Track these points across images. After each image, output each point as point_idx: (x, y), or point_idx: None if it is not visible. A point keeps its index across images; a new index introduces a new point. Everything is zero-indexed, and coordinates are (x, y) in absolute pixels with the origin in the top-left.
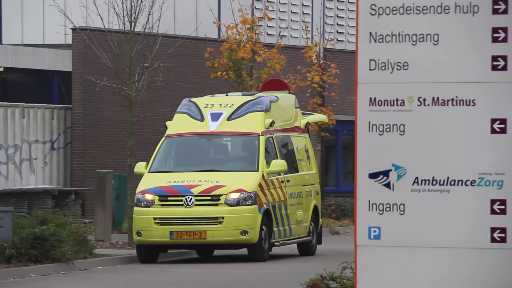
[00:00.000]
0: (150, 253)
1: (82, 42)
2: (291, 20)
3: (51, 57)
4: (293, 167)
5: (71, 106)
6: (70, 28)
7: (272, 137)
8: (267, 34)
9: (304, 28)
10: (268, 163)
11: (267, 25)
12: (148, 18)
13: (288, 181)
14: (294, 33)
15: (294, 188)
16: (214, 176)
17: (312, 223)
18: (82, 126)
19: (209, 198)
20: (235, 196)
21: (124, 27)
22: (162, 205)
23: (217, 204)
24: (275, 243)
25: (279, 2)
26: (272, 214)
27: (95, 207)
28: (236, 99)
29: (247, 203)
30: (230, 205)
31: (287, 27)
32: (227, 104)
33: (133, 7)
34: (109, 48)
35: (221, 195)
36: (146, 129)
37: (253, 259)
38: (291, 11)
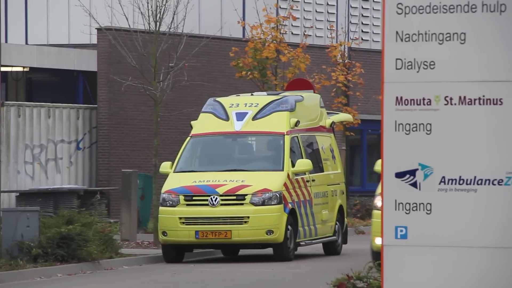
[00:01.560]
0: (175, 253)
1: (107, 42)
2: (316, 19)
3: (77, 57)
4: (318, 166)
5: (96, 106)
6: (96, 28)
7: (297, 137)
8: (292, 33)
9: (329, 28)
10: (293, 162)
11: (292, 25)
12: (173, 18)
13: (313, 180)
14: (319, 33)
15: (319, 188)
16: (239, 175)
17: (337, 222)
18: (108, 126)
19: (234, 197)
20: (260, 195)
21: (149, 27)
22: (187, 204)
23: (242, 204)
24: (301, 243)
25: (304, 2)
26: (297, 214)
27: (121, 206)
28: (261, 98)
29: (272, 203)
30: (255, 204)
31: (312, 27)
32: (252, 104)
33: (158, 7)
34: (134, 48)
35: (246, 194)
36: (171, 129)
37: (278, 259)
38: (316, 11)
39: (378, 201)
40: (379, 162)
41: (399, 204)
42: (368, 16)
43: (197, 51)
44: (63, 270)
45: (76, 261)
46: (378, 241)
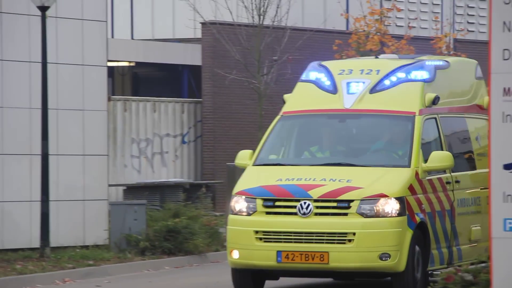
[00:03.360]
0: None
1: (211, 36)
2: (420, 11)
3: (181, 52)
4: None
5: (201, 100)
6: (200, 23)
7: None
8: (396, 25)
9: (433, 19)
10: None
11: (396, 16)
12: (276, 11)
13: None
14: (424, 24)
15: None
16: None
17: None
18: (212, 120)
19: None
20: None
21: (253, 21)
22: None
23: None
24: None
25: None
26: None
27: (226, 200)
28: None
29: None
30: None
31: (416, 18)
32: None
33: (261, 1)
34: (238, 41)
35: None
36: None
37: None
38: (421, 2)
39: (235, 203)
40: (241, 154)
41: (507, 196)
42: (473, 7)
43: (301, 44)
44: (170, 263)
45: (182, 254)
46: (235, 254)
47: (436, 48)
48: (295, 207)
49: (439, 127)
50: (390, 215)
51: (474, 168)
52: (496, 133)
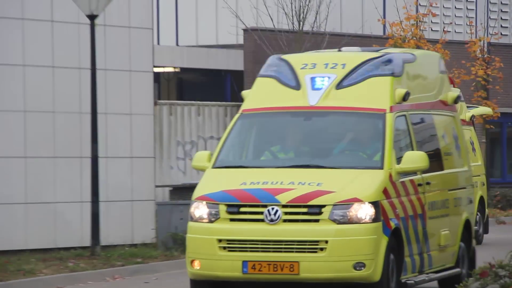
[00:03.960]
0: None
1: (253, 42)
2: (455, 15)
3: (224, 57)
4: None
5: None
6: (242, 29)
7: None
8: (431, 30)
9: (468, 24)
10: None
11: (431, 21)
12: (316, 17)
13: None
14: (458, 29)
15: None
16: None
17: (478, 213)
18: None
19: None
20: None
21: (293, 27)
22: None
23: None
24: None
25: None
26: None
27: None
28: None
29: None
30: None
31: (451, 23)
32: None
33: (301, 7)
34: (278, 47)
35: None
36: None
37: None
38: (455, 7)
39: (195, 209)
40: (198, 155)
41: None
42: (507, 12)
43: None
44: None
45: None
46: (196, 265)
47: (471, 51)
48: (262, 213)
49: (409, 125)
50: (364, 221)
51: (442, 168)
52: None
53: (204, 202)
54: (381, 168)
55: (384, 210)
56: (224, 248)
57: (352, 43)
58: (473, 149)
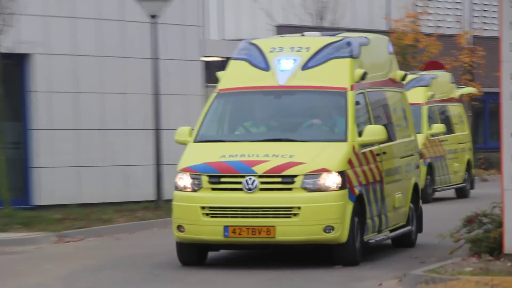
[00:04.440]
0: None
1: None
2: (446, 14)
3: None
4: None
5: None
6: (275, 25)
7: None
8: (427, 26)
9: (456, 20)
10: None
11: (427, 19)
12: (333, 16)
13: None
14: (449, 24)
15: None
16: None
17: (466, 172)
18: None
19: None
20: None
21: (316, 23)
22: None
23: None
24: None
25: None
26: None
27: None
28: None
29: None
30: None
31: (442, 20)
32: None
33: (321, 8)
34: None
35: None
36: None
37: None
38: (447, 8)
39: (179, 180)
40: (179, 130)
41: None
42: (487, 10)
43: None
44: None
45: None
46: (181, 229)
47: (458, 43)
48: (240, 183)
49: (367, 101)
50: (332, 189)
51: (394, 138)
52: (506, 108)
53: (188, 173)
54: (345, 140)
55: (349, 179)
56: (207, 214)
57: None
58: (461, 121)
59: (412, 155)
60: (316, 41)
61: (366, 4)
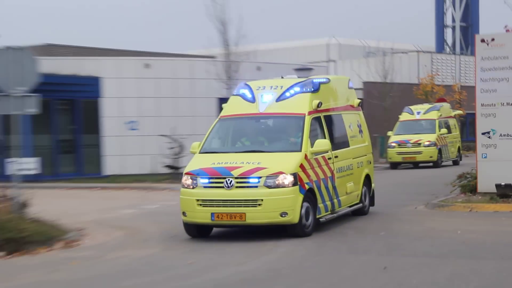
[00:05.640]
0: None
1: (367, 86)
2: (447, 74)
3: (359, 93)
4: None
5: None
6: (362, 82)
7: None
8: (438, 80)
9: (452, 77)
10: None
11: (437, 77)
12: (391, 74)
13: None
14: (448, 79)
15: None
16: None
17: (458, 152)
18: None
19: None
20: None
21: (382, 79)
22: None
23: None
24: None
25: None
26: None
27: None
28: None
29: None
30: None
31: (445, 77)
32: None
33: (385, 69)
34: (376, 91)
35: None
36: None
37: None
38: (447, 72)
39: (185, 180)
40: (193, 145)
41: (483, 145)
42: (468, 72)
43: (398, 89)
44: None
45: None
46: (185, 214)
47: (453, 89)
48: (222, 182)
49: (322, 122)
50: (286, 186)
51: (348, 146)
52: (479, 121)
53: (189, 176)
54: (300, 151)
55: (300, 178)
56: (200, 204)
57: (406, 88)
58: (455, 127)
59: (365, 155)
60: (288, 81)
61: (407, 69)
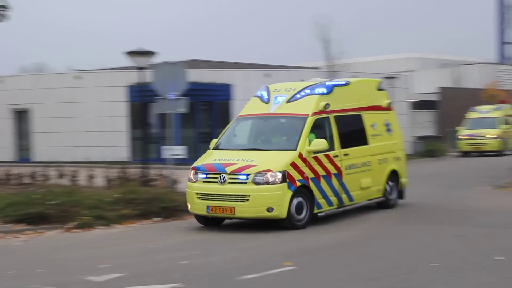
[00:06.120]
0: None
1: (445, 95)
2: (506, 81)
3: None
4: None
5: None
6: (438, 87)
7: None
8: (499, 86)
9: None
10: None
11: (499, 84)
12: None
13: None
14: (507, 84)
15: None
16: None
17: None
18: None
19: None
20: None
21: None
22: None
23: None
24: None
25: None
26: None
27: None
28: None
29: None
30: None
31: (504, 83)
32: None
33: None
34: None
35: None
36: None
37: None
38: (507, 77)
39: (190, 175)
40: (212, 141)
41: None
42: None
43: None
44: None
45: None
46: (189, 206)
47: None
48: (217, 178)
49: (331, 122)
50: (274, 182)
51: (366, 144)
52: None
53: (193, 171)
54: (295, 149)
55: (290, 175)
56: (199, 198)
57: (473, 92)
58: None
59: (393, 151)
60: (302, 84)
61: (475, 77)
